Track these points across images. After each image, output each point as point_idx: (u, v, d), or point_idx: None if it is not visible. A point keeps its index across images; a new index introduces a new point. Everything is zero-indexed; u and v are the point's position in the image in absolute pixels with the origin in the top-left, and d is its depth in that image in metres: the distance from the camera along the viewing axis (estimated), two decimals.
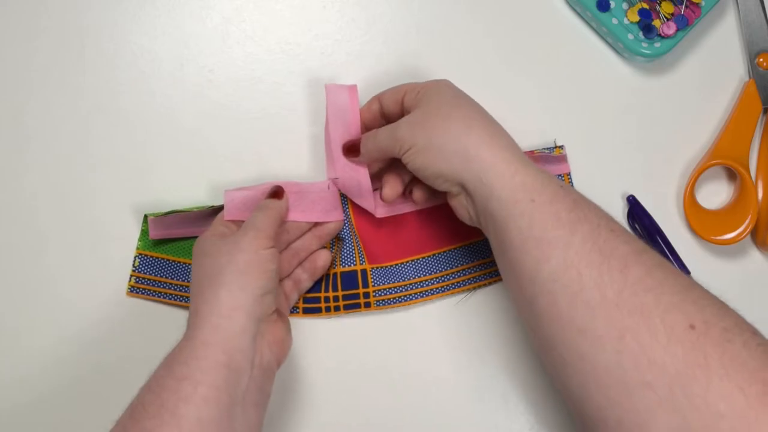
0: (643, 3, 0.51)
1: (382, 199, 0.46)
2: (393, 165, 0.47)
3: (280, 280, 0.47)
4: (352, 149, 0.47)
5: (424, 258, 0.50)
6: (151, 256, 0.49)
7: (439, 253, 0.50)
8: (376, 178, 0.48)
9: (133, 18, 0.52)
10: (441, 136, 0.40)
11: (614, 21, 0.51)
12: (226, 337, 0.38)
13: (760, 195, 0.51)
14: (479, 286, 0.49)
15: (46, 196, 0.50)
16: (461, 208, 0.42)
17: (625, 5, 0.51)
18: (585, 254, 0.35)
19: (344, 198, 0.49)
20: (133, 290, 0.49)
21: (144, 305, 0.49)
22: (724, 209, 0.52)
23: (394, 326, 0.49)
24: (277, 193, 0.46)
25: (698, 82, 0.53)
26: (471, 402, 0.48)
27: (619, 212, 0.51)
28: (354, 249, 0.48)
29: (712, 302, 0.33)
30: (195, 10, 0.52)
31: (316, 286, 0.49)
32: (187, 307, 0.46)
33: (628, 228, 0.51)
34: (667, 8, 0.51)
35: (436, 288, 0.49)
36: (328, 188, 0.48)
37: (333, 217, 0.48)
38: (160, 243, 0.49)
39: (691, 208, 0.50)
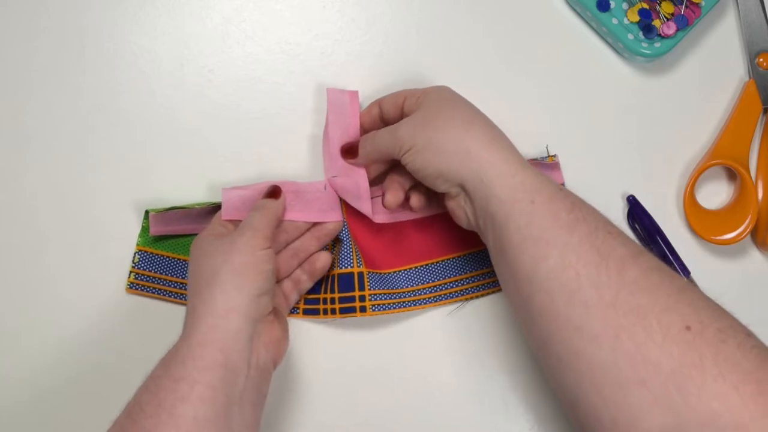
0: (643, 3, 0.51)
1: (384, 205, 0.46)
2: (393, 171, 0.47)
3: (280, 281, 0.48)
4: (350, 151, 0.47)
5: (418, 267, 0.50)
6: (151, 253, 0.49)
7: (433, 263, 0.50)
8: (375, 186, 0.48)
9: (133, 18, 0.52)
10: (441, 136, 0.41)
11: (614, 21, 0.51)
12: (222, 337, 0.38)
13: (760, 195, 0.51)
14: (473, 297, 0.49)
15: (46, 196, 0.50)
16: (459, 209, 0.42)
17: (625, 5, 0.51)
18: (583, 254, 0.35)
19: (340, 205, 0.49)
20: (132, 287, 0.49)
21: (144, 305, 0.49)
22: (724, 209, 0.52)
23: (394, 328, 0.49)
24: (274, 192, 0.46)
25: (698, 82, 0.53)
26: (471, 404, 0.48)
27: (619, 212, 0.51)
28: (351, 251, 0.48)
29: (707, 304, 0.34)
30: (195, 10, 0.52)
31: (316, 287, 0.49)
32: (185, 305, 0.46)
33: (627, 228, 0.51)
34: (667, 8, 0.51)
35: (430, 297, 0.49)
36: (325, 188, 0.48)
37: (331, 217, 0.48)
38: (160, 240, 0.50)
39: (691, 208, 0.50)
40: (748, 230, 0.49)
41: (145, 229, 0.49)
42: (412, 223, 0.50)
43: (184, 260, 0.49)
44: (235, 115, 0.51)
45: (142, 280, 0.49)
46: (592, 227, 0.36)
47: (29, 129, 0.51)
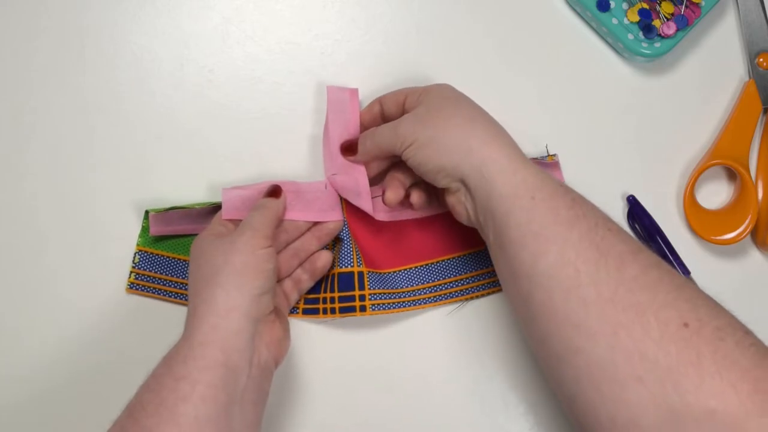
0: (643, 3, 0.51)
1: (384, 202, 0.46)
2: (393, 169, 0.47)
3: (280, 280, 0.48)
4: (350, 148, 0.47)
5: (418, 267, 0.50)
6: (152, 253, 0.49)
7: (433, 263, 0.50)
8: (374, 186, 0.48)
9: (133, 18, 0.52)
10: (443, 132, 0.41)
11: (614, 21, 0.51)
12: (223, 336, 0.38)
13: (760, 195, 0.51)
14: (473, 297, 0.49)
15: (46, 196, 0.50)
16: (459, 205, 0.42)
17: (625, 5, 0.51)
18: (582, 251, 0.35)
19: (341, 204, 0.49)
20: (132, 287, 0.49)
21: (144, 305, 0.49)
22: (724, 209, 0.52)
23: (394, 328, 0.49)
24: (274, 192, 0.46)
25: (698, 82, 0.53)
26: (470, 404, 0.48)
27: (619, 212, 0.51)
28: (352, 250, 0.48)
29: (705, 302, 0.34)
30: (195, 10, 0.52)
31: (316, 287, 0.49)
32: (186, 305, 0.46)
33: (628, 228, 0.51)
34: (667, 8, 0.51)
35: (430, 297, 0.49)
36: (326, 188, 0.48)
37: (331, 216, 0.48)
38: (160, 240, 0.50)
39: (691, 208, 0.50)
40: (748, 230, 0.49)
41: (145, 229, 0.49)
42: (411, 222, 0.50)
43: (185, 260, 0.49)
44: (235, 115, 0.51)
45: (142, 280, 0.49)
46: (592, 224, 0.36)
47: (29, 129, 0.51)
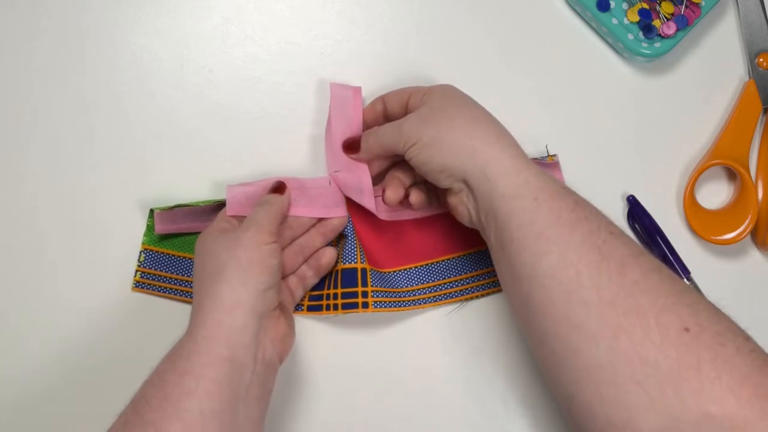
0: (643, 3, 0.51)
1: (384, 202, 0.46)
2: (394, 168, 0.47)
3: (285, 277, 0.48)
4: (352, 146, 0.47)
5: (417, 267, 0.50)
6: (157, 251, 0.49)
7: (433, 263, 0.50)
8: (375, 186, 0.48)
9: (133, 18, 0.52)
10: (447, 132, 0.41)
11: (614, 21, 0.51)
12: (228, 332, 0.38)
13: (760, 195, 0.51)
14: (472, 297, 0.50)
15: (46, 196, 0.50)
16: (461, 205, 0.42)
17: (625, 5, 0.51)
18: (584, 253, 0.35)
19: (344, 200, 0.49)
20: (138, 285, 0.49)
21: (144, 305, 0.49)
22: (724, 209, 0.52)
23: (394, 328, 0.49)
24: (278, 188, 0.46)
25: (698, 82, 0.53)
26: (470, 404, 0.48)
27: (619, 212, 0.51)
28: (356, 246, 0.48)
29: (706, 307, 0.34)
30: (195, 10, 0.52)
31: (320, 284, 0.49)
32: (191, 303, 0.46)
33: (628, 228, 0.51)
34: (667, 8, 0.51)
35: (430, 297, 0.49)
36: (329, 184, 0.48)
37: (335, 213, 0.48)
38: (165, 238, 0.50)
39: (691, 208, 0.50)
40: (748, 230, 0.49)
41: (150, 228, 0.49)
42: (412, 222, 0.50)
43: (190, 258, 0.49)
44: (235, 115, 0.51)
45: (148, 278, 0.49)
46: (594, 226, 0.36)
47: (29, 129, 0.51)
